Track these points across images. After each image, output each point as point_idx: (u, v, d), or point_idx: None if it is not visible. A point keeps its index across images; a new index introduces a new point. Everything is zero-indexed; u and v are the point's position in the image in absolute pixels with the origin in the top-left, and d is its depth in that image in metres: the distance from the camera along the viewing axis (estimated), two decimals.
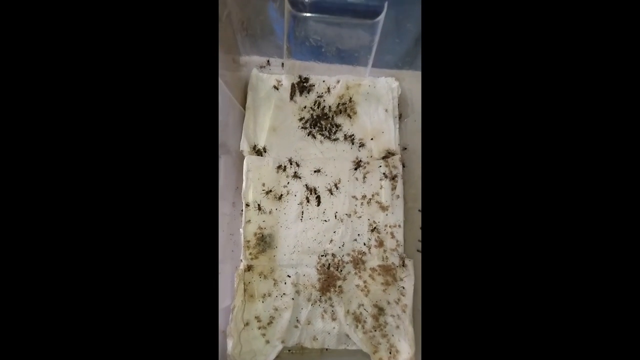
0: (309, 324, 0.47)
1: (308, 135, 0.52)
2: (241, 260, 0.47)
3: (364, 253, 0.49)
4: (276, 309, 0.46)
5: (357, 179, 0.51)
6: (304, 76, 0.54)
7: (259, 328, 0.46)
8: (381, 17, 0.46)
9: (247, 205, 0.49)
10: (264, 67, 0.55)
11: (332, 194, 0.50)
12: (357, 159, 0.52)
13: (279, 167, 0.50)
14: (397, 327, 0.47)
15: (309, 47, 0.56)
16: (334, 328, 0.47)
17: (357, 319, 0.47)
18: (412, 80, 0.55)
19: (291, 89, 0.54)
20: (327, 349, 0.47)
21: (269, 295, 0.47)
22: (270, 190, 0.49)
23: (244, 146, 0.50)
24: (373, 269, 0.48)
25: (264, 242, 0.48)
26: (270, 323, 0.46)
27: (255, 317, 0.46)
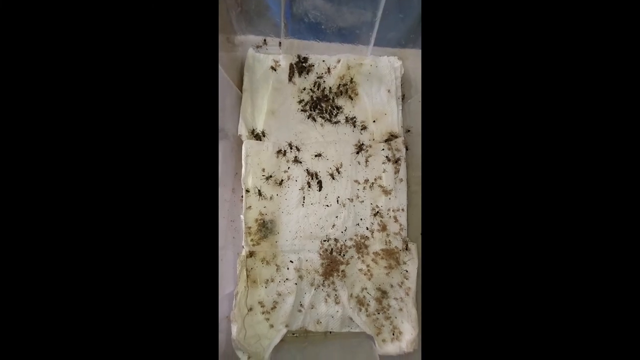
0: (312, 308, 0.47)
1: (308, 118, 0.51)
2: (243, 247, 0.47)
3: (367, 237, 0.49)
4: (279, 294, 0.46)
5: (359, 162, 0.50)
6: (303, 56, 0.52)
7: (263, 313, 0.46)
8: None
9: (247, 191, 0.48)
10: (261, 46, 0.53)
11: (333, 178, 0.49)
12: (359, 142, 0.50)
13: (279, 151, 0.49)
14: (401, 309, 0.47)
15: (307, 24, 0.53)
16: (337, 311, 0.47)
17: (361, 302, 0.47)
18: (416, 60, 0.53)
19: (289, 69, 0.51)
20: (330, 332, 0.48)
21: (272, 281, 0.47)
22: (271, 176, 0.48)
23: (242, 130, 0.49)
24: (376, 253, 0.48)
25: (266, 228, 0.47)
26: (273, 308, 0.46)
27: (259, 303, 0.46)
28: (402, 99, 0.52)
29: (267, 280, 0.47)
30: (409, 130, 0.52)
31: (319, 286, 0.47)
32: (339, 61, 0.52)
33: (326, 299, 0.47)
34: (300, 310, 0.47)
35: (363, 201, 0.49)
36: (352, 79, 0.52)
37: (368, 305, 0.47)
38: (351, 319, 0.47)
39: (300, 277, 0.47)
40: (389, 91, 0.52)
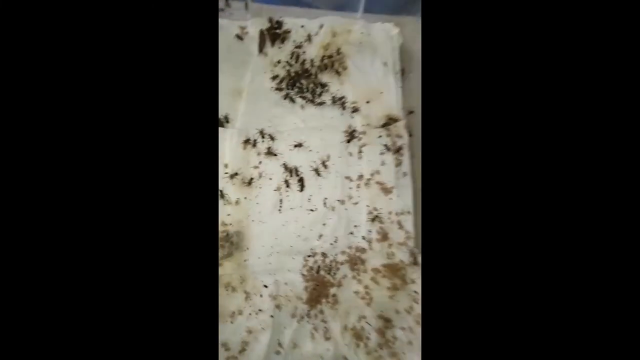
0: (294, 347, 0.38)
1: (285, 98, 0.44)
2: None
3: (364, 249, 0.41)
4: (250, 332, 0.38)
5: (350, 154, 0.44)
6: (276, 19, 0.45)
7: (228, 358, 0.37)
8: None
9: None
10: (222, 10, 0.46)
11: (319, 174, 0.43)
12: (350, 128, 0.44)
13: (247, 141, 0.43)
14: (410, 342, 0.39)
15: None
16: (328, 350, 0.39)
17: (358, 336, 0.39)
18: (415, 28, 0.47)
19: (260, 37, 0.45)
20: None
21: (240, 314, 0.38)
22: (236, 173, 0.42)
23: None
24: (376, 270, 0.41)
25: (230, 242, 0.40)
26: (242, 350, 0.37)
27: (222, 345, 0.37)
28: (402, 74, 0.46)
29: (234, 313, 0.38)
30: (411, 112, 0.45)
31: (303, 317, 0.39)
32: (321, 27, 0.45)
33: (313, 334, 0.39)
34: (278, 352, 0.38)
35: (357, 203, 0.42)
36: (339, 49, 0.45)
37: (367, 339, 0.39)
38: (346, 358, 0.38)
39: (278, 306, 0.39)
40: (385, 64, 0.45)
